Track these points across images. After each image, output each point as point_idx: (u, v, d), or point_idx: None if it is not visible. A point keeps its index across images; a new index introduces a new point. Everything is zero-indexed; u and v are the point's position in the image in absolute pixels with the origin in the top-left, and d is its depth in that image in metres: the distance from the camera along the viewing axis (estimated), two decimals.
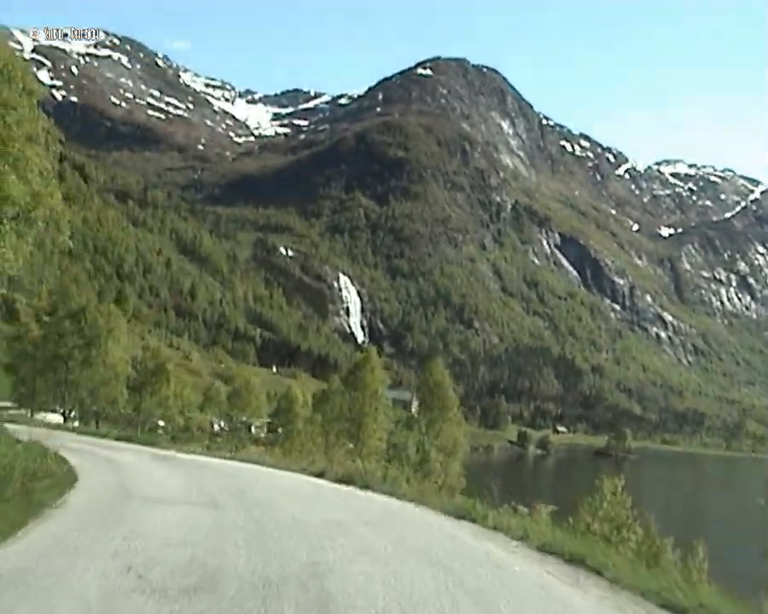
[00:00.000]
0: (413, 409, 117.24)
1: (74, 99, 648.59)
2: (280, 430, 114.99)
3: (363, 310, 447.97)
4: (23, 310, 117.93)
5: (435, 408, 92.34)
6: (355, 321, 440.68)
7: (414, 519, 18.92)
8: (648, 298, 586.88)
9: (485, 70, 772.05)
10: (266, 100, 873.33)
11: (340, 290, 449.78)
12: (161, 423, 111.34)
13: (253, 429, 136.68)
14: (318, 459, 38.20)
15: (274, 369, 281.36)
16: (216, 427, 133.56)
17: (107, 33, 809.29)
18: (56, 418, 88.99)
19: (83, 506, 17.83)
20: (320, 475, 28.44)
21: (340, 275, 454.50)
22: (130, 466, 27.99)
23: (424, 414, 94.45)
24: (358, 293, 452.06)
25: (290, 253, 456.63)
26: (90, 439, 43.69)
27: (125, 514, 17.05)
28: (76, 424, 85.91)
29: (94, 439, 44.21)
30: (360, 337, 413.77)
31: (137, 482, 22.99)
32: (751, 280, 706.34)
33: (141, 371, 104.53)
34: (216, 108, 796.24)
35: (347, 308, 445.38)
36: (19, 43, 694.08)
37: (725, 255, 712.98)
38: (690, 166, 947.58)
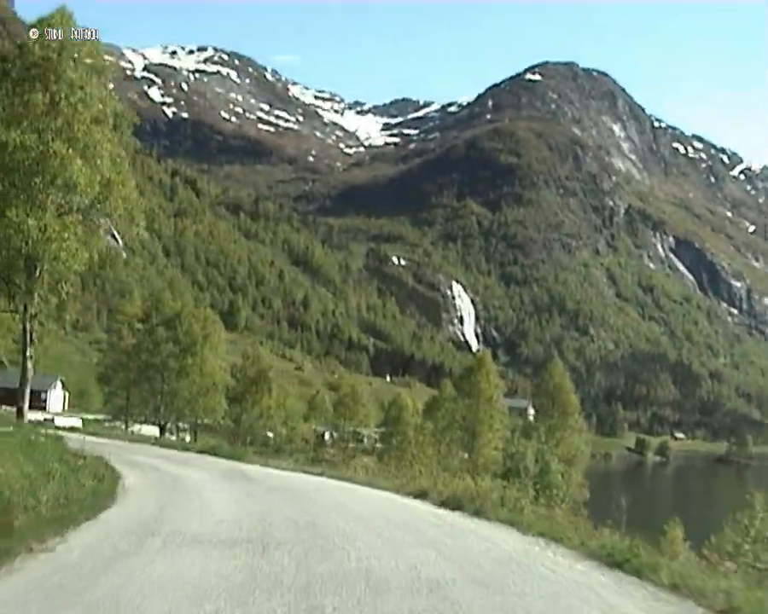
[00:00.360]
0: (529, 418, 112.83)
1: (185, 115, 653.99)
2: (392, 440, 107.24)
3: (477, 318, 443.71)
4: (115, 318, 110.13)
5: (555, 414, 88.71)
6: (469, 330, 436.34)
7: (549, 575, 12.60)
8: (767, 300, 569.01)
9: (594, 73, 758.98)
10: (375, 110, 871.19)
11: (454, 298, 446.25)
12: (270, 434, 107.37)
13: (365, 439, 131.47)
14: (422, 475, 32.51)
15: (387, 378, 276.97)
16: (326, 437, 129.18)
17: (215, 49, 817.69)
18: (153, 430, 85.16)
19: (81, 550, 13.25)
20: (421, 496, 23.10)
21: (454, 284, 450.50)
22: (191, 485, 23.73)
23: (542, 421, 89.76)
24: (472, 301, 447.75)
25: (403, 262, 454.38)
26: (170, 453, 39.96)
27: (132, 565, 12.14)
28: (173, 437, 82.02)
29: (174, 452, 40.36)
30: (474, 345, 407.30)
31: (182, 508, 18.55)
32: None
33: (241, 380, 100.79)
34: (326, 120, 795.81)
35: (461, 316, 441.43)
36: (130, 61, 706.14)
37: None
38: None
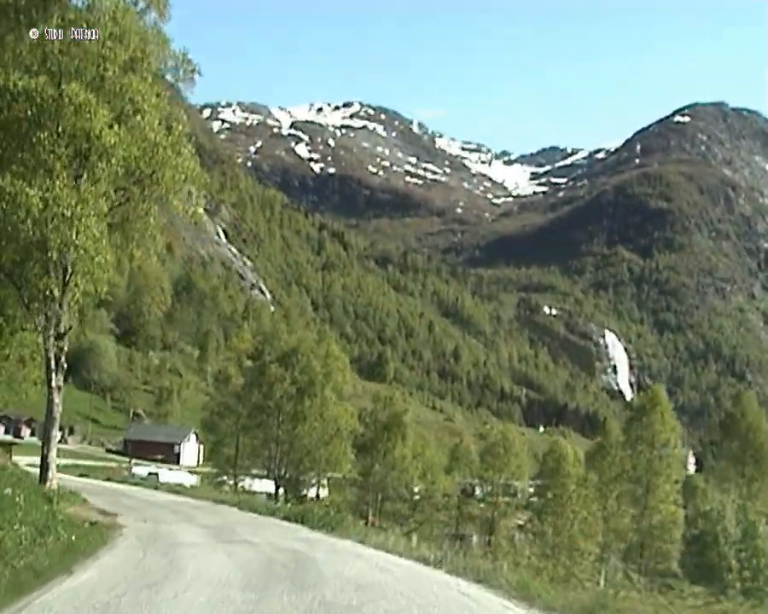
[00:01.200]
0: (689, 469, 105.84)
1: (332, 170, 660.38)
2: (549, 494, 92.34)
3: (630, 367, 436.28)
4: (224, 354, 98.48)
5: (748, 460, 77.46)
6: (623, 378, 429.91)
7: None
8: None
9: (745, 112, 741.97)
10: (523, 159, 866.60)
11: (607, 347, 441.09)
12: (406, 489, 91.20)
13: (518, 494, 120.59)
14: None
15: (541, 429, 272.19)
16: (477, 491, 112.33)
17: (361, 104, 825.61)
18: (267, 486, 78.92)
19: None
20: None
21: (606, 332, 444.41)
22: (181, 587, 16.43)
23: (734, 470, 79.57)
24: (625, 349, 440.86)
25: (554, 312, 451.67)
26: (245, 517, 35.50)
27: None
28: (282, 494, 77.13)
29: (248, 517, 35.80)
30: (628, 394, 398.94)
31: None
32: None
33: (371, 425, 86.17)
34: (473, 171, 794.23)
35: (614, 365, 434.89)
36: (277, 120, 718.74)
37: None
38: None
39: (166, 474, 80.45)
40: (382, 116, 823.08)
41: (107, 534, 23.30)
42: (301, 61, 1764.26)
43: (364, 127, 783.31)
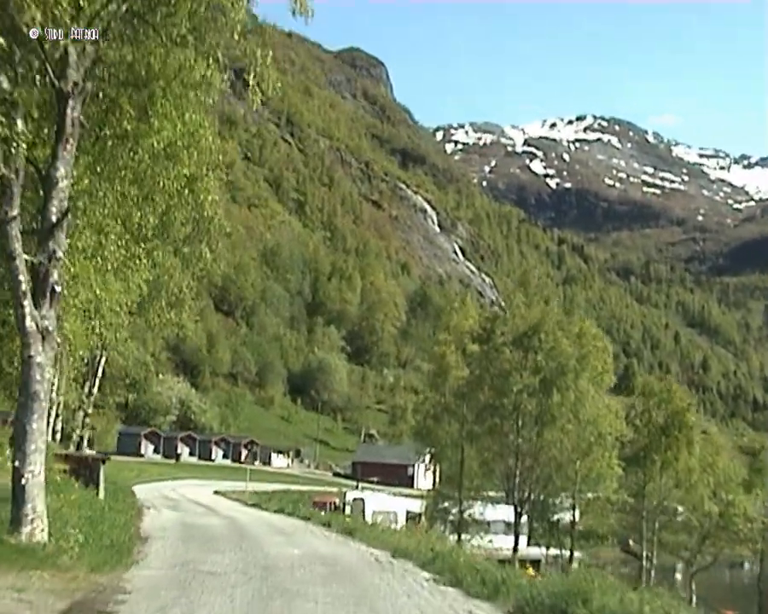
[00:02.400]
0: None
1: (568, 185, 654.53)
2: None
3: None
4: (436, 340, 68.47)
5: None
6: None
7: None
8: None
9: None
10: (763, 162, 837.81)
11: None
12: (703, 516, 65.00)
13: None
14: None
15: None
16: None
17: (594, 117, 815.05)
18: (502, 513, 60.57)
19: None
20: None
21: None
22: None
23: None
24: None
25: None
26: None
27: None
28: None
29: None
30: None
31: None
32: None
33: (642, 428, 62.67)
34: (712, 177, 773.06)
35: None
36: (511, 138, 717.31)
37: None
38: None
39: (378, 500, 61.11)
40: (616, 127, 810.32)
41: None
42: (529, 78, 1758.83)
43: (599, 139, 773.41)
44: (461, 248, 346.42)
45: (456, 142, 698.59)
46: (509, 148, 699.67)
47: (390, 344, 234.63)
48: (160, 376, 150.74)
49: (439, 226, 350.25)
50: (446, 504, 58.94)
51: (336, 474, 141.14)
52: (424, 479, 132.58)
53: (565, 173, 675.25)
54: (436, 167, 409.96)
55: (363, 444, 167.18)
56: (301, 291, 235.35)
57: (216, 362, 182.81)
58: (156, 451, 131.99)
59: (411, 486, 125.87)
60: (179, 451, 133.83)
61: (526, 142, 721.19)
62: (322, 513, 42.32)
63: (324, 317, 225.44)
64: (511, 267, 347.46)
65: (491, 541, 55.29)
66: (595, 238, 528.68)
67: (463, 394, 57.68)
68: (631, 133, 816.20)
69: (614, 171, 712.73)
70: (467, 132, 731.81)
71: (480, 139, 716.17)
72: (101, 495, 35.43)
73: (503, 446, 57.47)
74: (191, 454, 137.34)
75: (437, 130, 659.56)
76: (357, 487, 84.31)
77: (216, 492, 69.44)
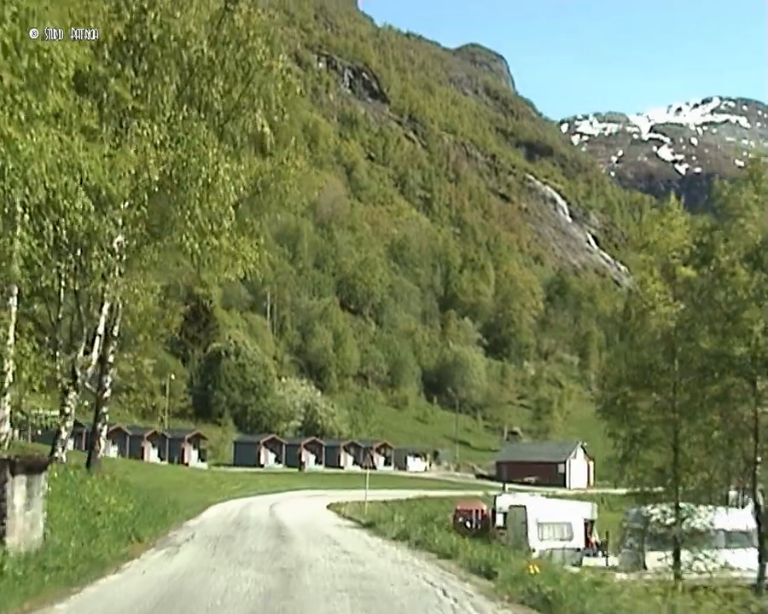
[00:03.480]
0: None
1: (698, 170, 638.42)
2: None
3: None
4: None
5: None
6: None
7: None
8: None
9: None
10: None
11: None
12: None
13: None
14: None
15: None
16: None
17: (721, 99, 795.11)
18: (737, 520, 42.02)
19: None
20: None
21: None
22: None
23: None
24: None
25: None
26: None
27: None
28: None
29: None
30: None
31: None
32: None
33: None
34: None
35: None
36: (636, 125, 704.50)
37: None
38: None
39: (543, 507, 51.32)
40: (744, 107, 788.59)
41: None
42: (652, 65, 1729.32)
43: (726, 121, 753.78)
44: (594, 237, 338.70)
45: (581, 134, 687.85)
46: (635, 136, 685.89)
47: (529, 335, 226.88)
48: (283, 380, 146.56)
49: (571, 216, 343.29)
50: (651, 510, 38.43)
51: (479, 476, 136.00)
52: (577, 477, 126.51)
53: (694, 158, 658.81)
54: (564, 158, 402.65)
55: (507, 442, 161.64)
56: (432, 284, 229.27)
57: (344, 362, 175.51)
58: (278, 460, 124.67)
59: (564, 485, 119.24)
60: (303, 459, 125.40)
61: (652, 129, 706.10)
62: (472, 543, 25.94)
63: (458, 311, 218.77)
64: None
65: (726, 563, 35.94)
66: None
67: (673, 347, 37.73)
68: (759, 111, 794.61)
69: (745, 153, 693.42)
70: (591, 123, 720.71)
71: (605, 129, 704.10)
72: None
73: (733, 421, 37.67)
74: (317, 461, 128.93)
75: (561, 122, 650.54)
76: (503, 489, 77.14)
77: (329, 506, 55.06)
